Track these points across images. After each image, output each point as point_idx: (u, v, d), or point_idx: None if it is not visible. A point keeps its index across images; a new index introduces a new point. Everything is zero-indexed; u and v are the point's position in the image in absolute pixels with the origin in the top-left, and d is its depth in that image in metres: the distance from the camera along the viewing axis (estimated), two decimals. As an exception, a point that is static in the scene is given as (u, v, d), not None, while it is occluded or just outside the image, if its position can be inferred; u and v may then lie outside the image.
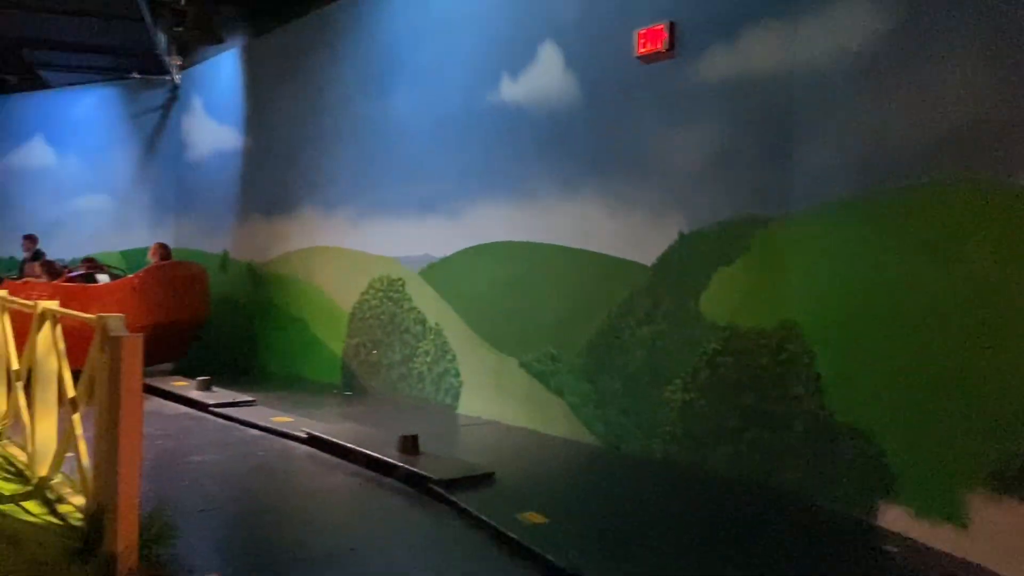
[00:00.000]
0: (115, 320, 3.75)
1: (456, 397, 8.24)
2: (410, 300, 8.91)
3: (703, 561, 4.17)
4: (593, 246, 6.97)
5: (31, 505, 4.32)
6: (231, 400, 8.16)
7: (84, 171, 15.38)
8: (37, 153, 15.90)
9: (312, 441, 6.54)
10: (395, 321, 9.13)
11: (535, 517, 4.61)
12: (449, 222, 8.46)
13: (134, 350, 2.84)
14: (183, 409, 8.17)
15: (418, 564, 4.14)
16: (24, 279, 10.77)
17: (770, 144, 5.59)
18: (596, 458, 6.43)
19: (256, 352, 11.71)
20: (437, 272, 8.59)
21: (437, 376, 8.49)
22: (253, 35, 12.11)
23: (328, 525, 4.80)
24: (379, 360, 9.34)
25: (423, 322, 8.72)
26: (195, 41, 12.72)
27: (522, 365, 7.51)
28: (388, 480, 5.58)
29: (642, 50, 6.43)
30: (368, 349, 9.53)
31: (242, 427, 7.27)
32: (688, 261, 6.16)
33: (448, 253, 8.45)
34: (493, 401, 7.80)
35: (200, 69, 13.44)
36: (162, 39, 12.69)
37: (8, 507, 4.15)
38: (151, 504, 4.56)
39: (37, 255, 12.20)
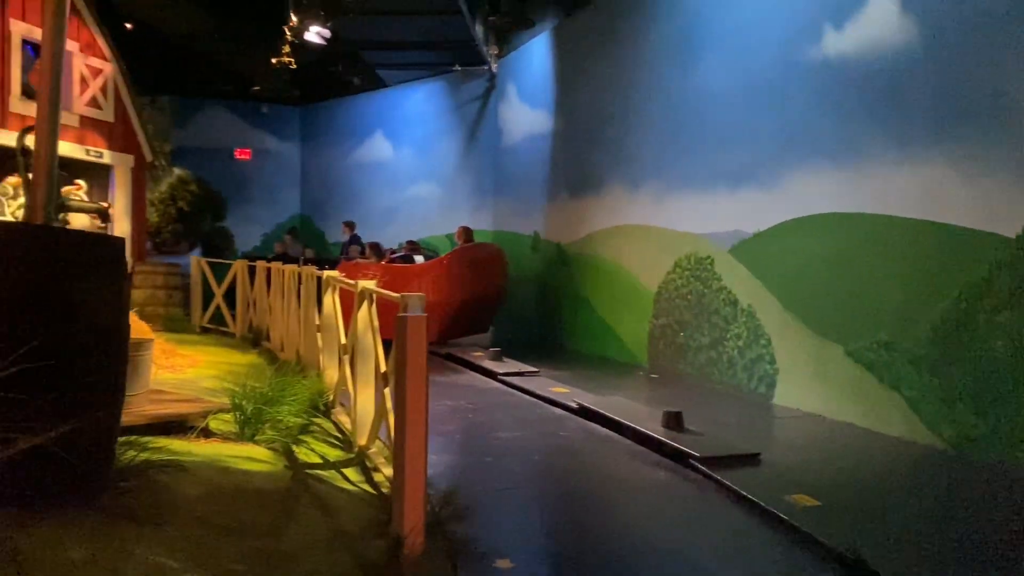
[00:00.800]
0: (414, 299, 3.77)
1: (771, 386, 7.55)
2: (719, 279, 8.35)
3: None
4: (937, 216, 5.90)
5: (351, 472, 4.56)
6: (517, 370, 8.74)
7: (415, 161, 16.75)
8: (377, 147, 17.64)
9: (583, 412, 6.68)
10: (703, 302, 8.62)
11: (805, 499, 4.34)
12: (763, 194, 7.75)
13: (418, 329, 2.75)
14: (493, 384, 8.42)
15: (711, 556, 3.70)
16: (355, 261, 12.07)
17: None
18: (938, 462, 5.44)
19: (563, 331, 11.85)
20: (749, 249, 7.93)
21: (749, 362, 7.86)
22: (563, 16, 12.20)
23: (627, 516, 4.53)
24: (686, 343, 8.90)
25: (734, 303, 8.11)
26: (509, 28, 13.15)
27: (849, 353, 6.63)
28: (657, 458, 5.30)
29: (1009, -27, 5.25)
30: (675, 331, 9.13)
31: (549, 406, 7.29)
32: (1073, 230, 4.93)
33: (762, 228, 7.75)
34: (813, 392, 7.00)
35: (514, 56, 13.89)
36: (480, 31, 13.28)
37: (330, 473, 4.40)
38: (452, 480, 4.65)
39: (355, 239, 13.86)
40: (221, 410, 4.39)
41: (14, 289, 2.66)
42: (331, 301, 6.08)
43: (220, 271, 11.83)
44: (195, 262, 12.13)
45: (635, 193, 10.07)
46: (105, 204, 10.64)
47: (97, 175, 11.81)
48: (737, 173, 8.11)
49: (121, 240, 3.08)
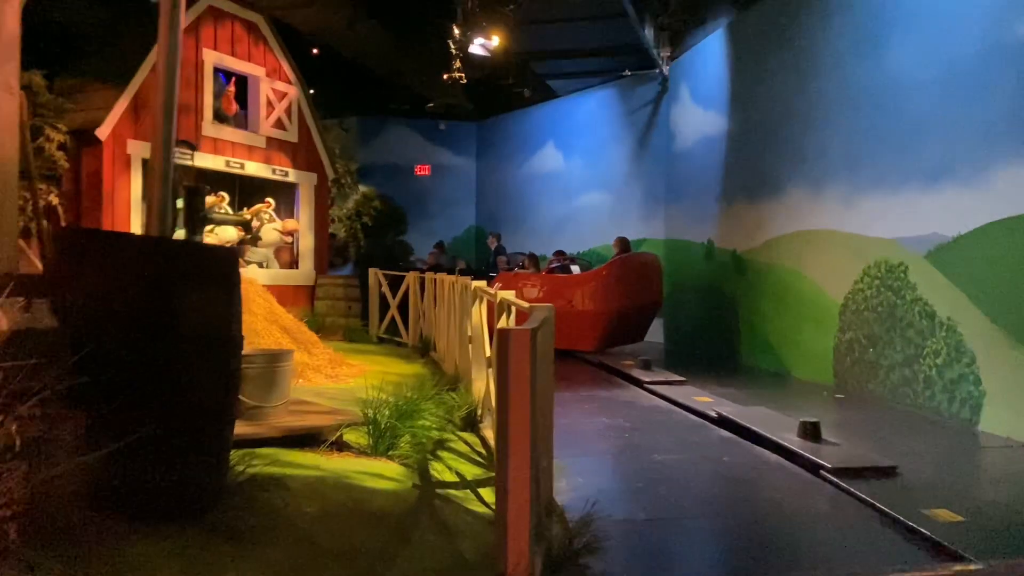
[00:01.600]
0: (542, 310, 3.51)
1: (976, 410, 6.57)
2: (913, 289, 7.43)
3: None
4: None
5: (486, 493, 4.34)
6: (664, 379, 8.71)
7: (586, 171, 16.53)
8: (548, 158, 17.60)
9: (721, 422, 6.58)
10: (895, 314, 7.71)
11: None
12: (967, 193, 6.80)
13: (522, 345, 2.46)
14: (656, 402, 7.97)
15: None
16: (514, 271, 12.24)
17: None
18: None
19: (739, 345, 11.12)
20: (949, 254, 6.98)
21: (950, 383, 6.90)
22: (738, 11, 11.52)
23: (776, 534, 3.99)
24: (876, 360, 8.00)
25: (931, 316, 7.18)
26: (681, 28, 12.63)
27: (1074, 376, 5.61)
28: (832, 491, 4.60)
29: None
30: (863, 347, 8.25)
31: (715, 427, 6.76)
32: None
33: (964, 231, 6.79)
34: (1030, 420, 6.01)
35: (687, 57, 13.32)
36: (648, 33, 12.86)
37: (463, 493, 4.21)
38: (593, 507, 4.31)
39: (500, 250, 14.27)
40: (354, 423, 4.32)
41: (118, 300, 2.65)
42: (478, 312, 5.93)
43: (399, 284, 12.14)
44: (372, 274, 12.56)
45: (818, 195, 9.23)
46: (248, 215, 11.24)
47: (283, 193, 12.54)
48: (934, 170, 7.18)
49: (230, 250, 3.04)
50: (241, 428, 4.12)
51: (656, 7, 12.18)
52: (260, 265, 12.00)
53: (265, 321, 7.54)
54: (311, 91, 15.74)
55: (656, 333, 13.70)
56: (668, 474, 5.28)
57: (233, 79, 11.42)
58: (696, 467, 5.52)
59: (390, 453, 4.30)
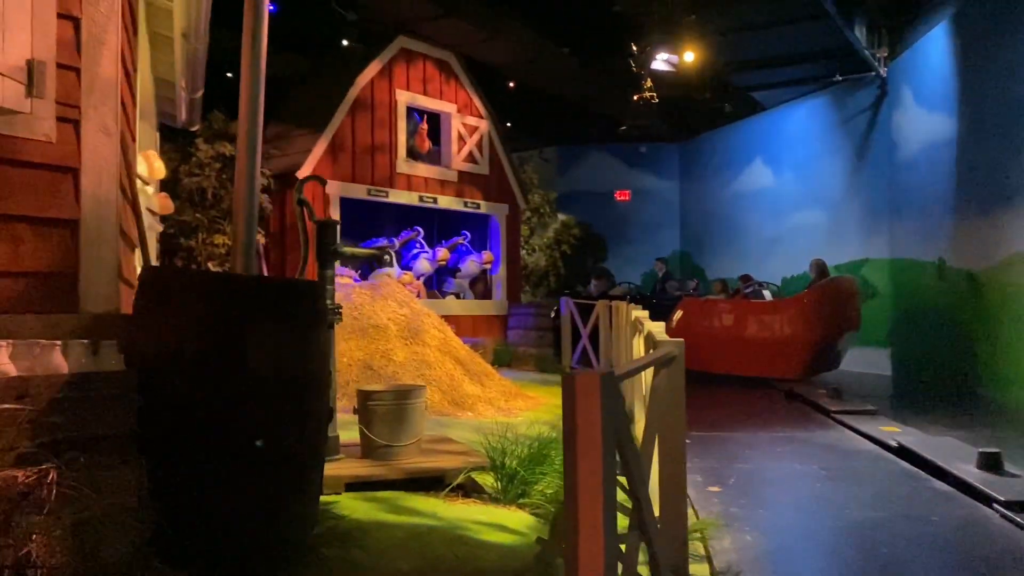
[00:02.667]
0: (670, 345, 3.04)
1: None
2: None
3: None
4: None
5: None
6: (853, 408, 8.12)
7: (798, 186, 15.32)
8: (756, 175, 16.54)
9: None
10: None
11: None
12: None
13: (589, 392, 2.04)
14: (864, 446, 6.97)
15: None
16: (705, 297, 11.70)
17: None
18: None
19: (978, 376, 9.61)
20: None
21: None
22: (963, 1, 10.13)
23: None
24: None
25: None
26: (896, 25, 11.36)
27: None
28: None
29: None
30: None
31: (929, 479, 5.74)
32: None
33: None
34: None
35: (907, 57, 11.94)
36: (860, 33, 11.67)
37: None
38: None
39: (668, 275, 14.34)
40: (479, 467, 4.02)
41: (188, 339, 2.55)
42: (639, 345, 5.45)
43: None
44: (566, 303, 12.35)
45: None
46: (388, 248, 11.39)
47: (476, 225, 12.71)
48: None
49: (311, 284, 2.87)
50: (364, 469, 3.98)
51: (867, 4, 11.00)
52: (457, 295, 12.21)
53: (438, 352, 7.51)
54: (507, 124, 15.99)
55: (881, 362, 12.28)
56: (860, 536, 4.48)
57: (425, 116, 11.77)
58: (895, 528, 4.65)
59: (520, 501, 3.95)
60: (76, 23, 2.59)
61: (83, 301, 2.56)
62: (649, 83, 11.93)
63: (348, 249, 4.31)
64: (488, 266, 12.31)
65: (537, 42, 12.01)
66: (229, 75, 10.04)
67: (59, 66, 2.54)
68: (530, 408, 7.65)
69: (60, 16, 2.55)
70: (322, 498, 3.21)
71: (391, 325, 7.35)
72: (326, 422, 2.97)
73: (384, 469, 3.89)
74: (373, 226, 11.51)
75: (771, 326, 10.11)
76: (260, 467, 2.62)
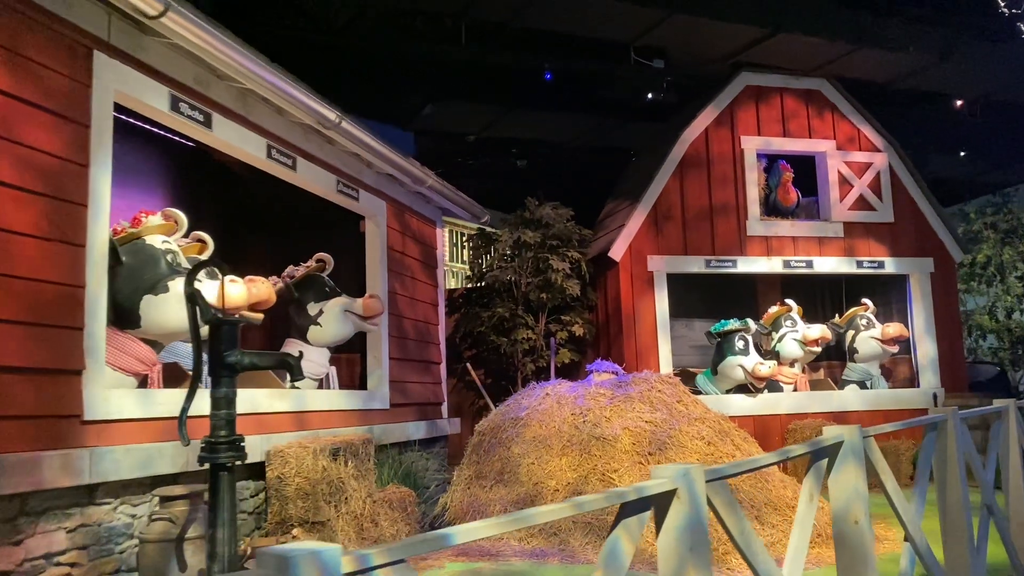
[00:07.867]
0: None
1: None
2: None
3: None
4: None
5: None
6: None
7: None
8: None
9: None
10: None
11: None
12: None
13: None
14: None
15: None
16: None
17: None
18: None
19: None
20: None
21: None
22: None
23: None
24: None
25: None
26: None
27: None
28: None
29: None
30: None
31: None
32: None
33: None
34: None
35: None
36: None
37: None
38: None
39: None
40: None
41: None
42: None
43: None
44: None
45: None
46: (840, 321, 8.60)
47: (880, 288, 9.67)
48: None
49: None
50: None
51: None
52: (862, 385, 9.30)
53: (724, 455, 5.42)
54: (961, 154, 12.37)
55: None
56: None
57: (784, 163, 9.47)
58: None
59: None
60: None
61: None
62: None
63: (249, 358, 3.02)
64: (893, 347, 8.98)
65: (939, 39, 8.87)
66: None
67: None
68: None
69: None
70: None
71: (624, 436, 5.55)
72: None
73: None
74: (719, 304, 9.38)
75: None
76: None
